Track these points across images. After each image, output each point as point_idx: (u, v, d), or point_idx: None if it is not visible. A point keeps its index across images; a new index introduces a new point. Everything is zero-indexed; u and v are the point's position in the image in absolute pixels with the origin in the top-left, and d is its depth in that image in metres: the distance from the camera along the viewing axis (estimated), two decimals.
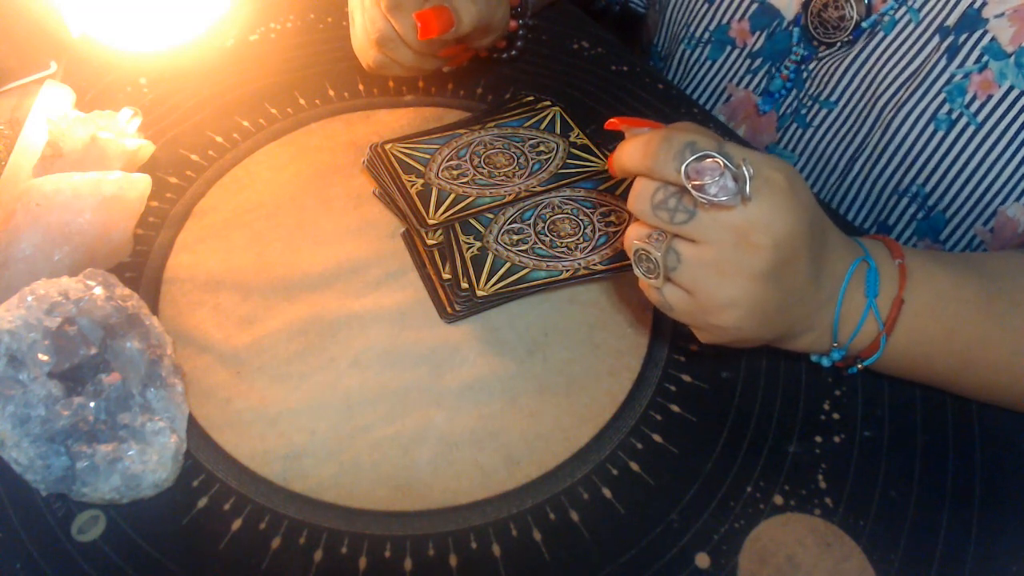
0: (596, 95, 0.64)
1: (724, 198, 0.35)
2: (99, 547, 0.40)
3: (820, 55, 0.58)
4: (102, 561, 0.39)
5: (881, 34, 0.54)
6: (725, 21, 0.62)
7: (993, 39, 0.50)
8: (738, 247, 0.36)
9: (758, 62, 0.62)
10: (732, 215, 0.36)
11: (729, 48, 0.63)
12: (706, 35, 0.64)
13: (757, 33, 0.61)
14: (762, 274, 0.37)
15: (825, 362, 0.44)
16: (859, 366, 0.43)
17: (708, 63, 0.65)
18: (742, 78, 0.64)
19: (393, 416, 0.45)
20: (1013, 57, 0.49)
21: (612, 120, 0.41)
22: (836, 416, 0.46)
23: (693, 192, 0.35)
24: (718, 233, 0.36)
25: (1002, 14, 0.50)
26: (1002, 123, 0.50)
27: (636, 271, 0.40)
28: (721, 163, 0.35)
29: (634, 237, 0.39)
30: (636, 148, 0.38)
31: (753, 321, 0.38)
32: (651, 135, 0.37)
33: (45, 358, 0.40)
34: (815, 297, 0.40)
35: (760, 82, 0.63)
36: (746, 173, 0.35)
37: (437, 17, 0.50)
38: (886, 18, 0.54)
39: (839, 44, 0.57)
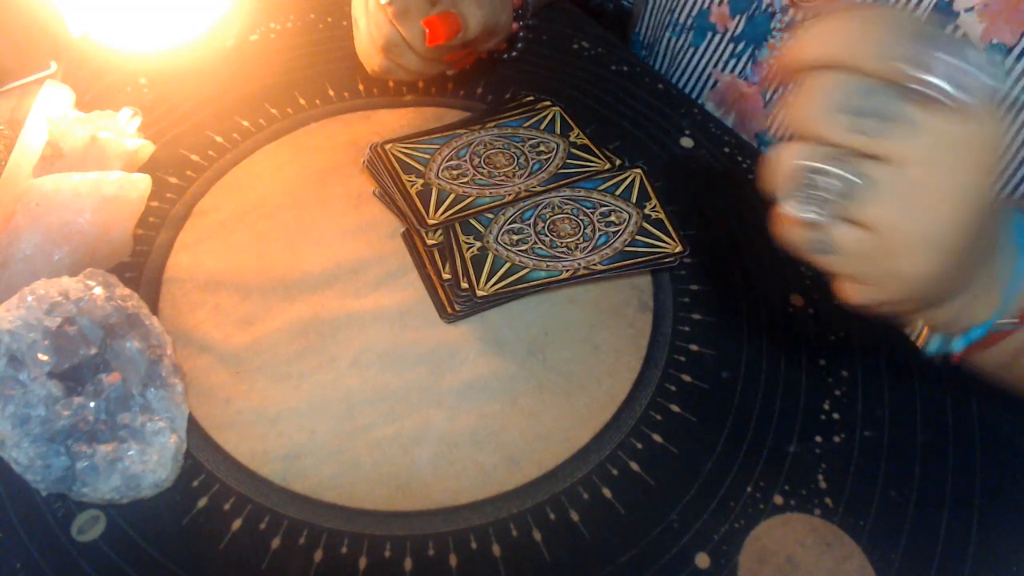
0: (596, 95, 0.64)
1: (968, 93, 0.26)
2: (99, 547, 0.40)
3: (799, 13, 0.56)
4: (102, 561, 0.39)
5: None
6: (706, 6, 0.62)
7: (964, 36, 0.49)
8: (955, 169, 0.28)
9: (741, 46, 0.62)
10: (965, 129, 0.27)
11: (711, 34, 0.63)
12: (688, 21, 0.64)
13: (737, 17, 0.61)
14: (976, 202, 0.29)
15: (958, 345, 0.37)
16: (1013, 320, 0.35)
17: (692, 49, 0.65)
18: (726, 63, 0.63)
19: (393, 416, 0.45)
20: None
21: None
22: (836, 416, 0.46)
23: (927, 80, 0.26)
24: (937, 151, 0.28)
25: (971, 8, 0.49)
26: None
27: (788, 206, 0.30)
28: (963, 53, 0.26)
29: (798, 155, 0.29)
30: (840, 26, 0.28)
31: (945, 268, 0.30)
32: (858, 11, 0.28)
33: (45, 358, 0.40)
34: (988, 249, 0.33)
35: (744, 66, 0.63)
36: (994, 67, 0.26)
37: (444, 23, 0.50)
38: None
39: None
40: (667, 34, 0.66)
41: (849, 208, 0.29)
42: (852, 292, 0.33)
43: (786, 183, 0.30)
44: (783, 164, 0.30)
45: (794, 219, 0.31)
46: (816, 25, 0.29)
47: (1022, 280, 0.34)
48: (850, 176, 0.28)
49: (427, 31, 0.50)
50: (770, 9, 0.59)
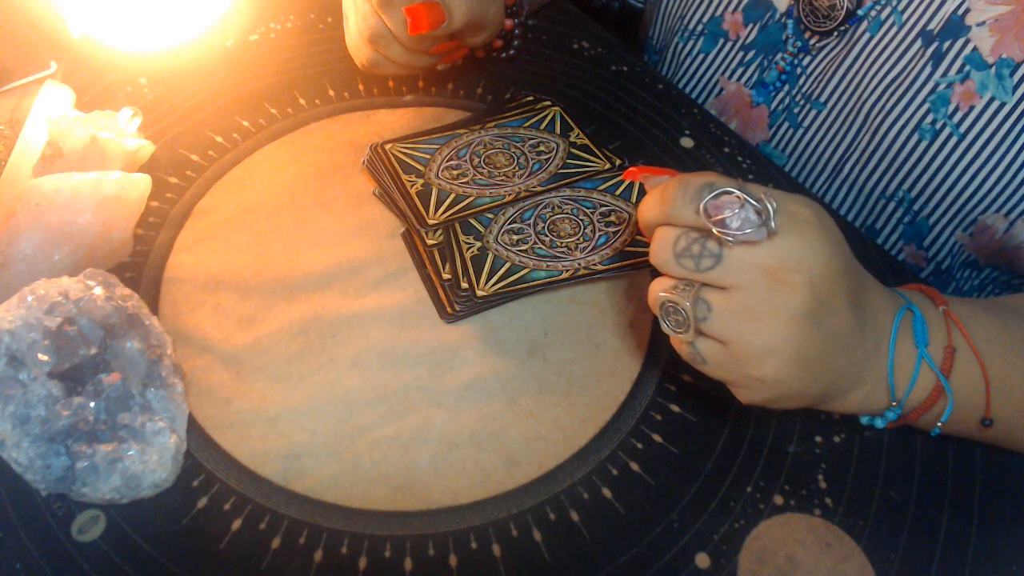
0: (596, 95, 0.64)
1: (748, 231, 0.33)
2: (99, 547, 0.40)
3: (814, 46, 0.58)
4: (102, 561, 0.39)
5: (867, 35, 0.54)
6: (719, 13, 0.62)
7: (975, 49, 0.50)
8: (771, 288, 0.34)
9: (751, 54, 0.62)
10: (761, 254, 0.33)
11: (722, 41, 0.63)
12: (699, 27, 0.64)
13: (750, 25, 0.61)
14: (800, 315, 0.34)
15: (879, 423, 0.40)
16: (940, 424, 0.40)
17: (701, 56, 0.65)
18: (734, 71, 0.63)
19: (393, 416, 0.45)
20: (994, 68, 0.49)
21: (631, 169, 0.40)
22: (836, 416, 0.46)
23: (715, 230, 0.33)
24: (748, 275, 0.34)
25: (983, 23, 0.49)
26: (984, 135, 0.50)
27: (664, 327, 0.37)
28: (741, 197, 0.33)
29: (659, 290, 0.36)
30: (654, 197, 0.36)
31: (795, 370, 0.35)
32: (667, 182, 0.36)
33: (45, 358, 0.40)
34: (860, 346, 0.37)
35: (752, 75, 0.63)
36: (769, 206, 0.33)
37: (427, 12, 0.49)
38: (872, 13, 0.54)
39: (835, 33, 0.56)
40: (675, 40, 0.66)
41: (703, 326, 0.36)
42: (737, 395, 0.38)
43: (656, 311, 0.37)
44: (651, 297, 0.37)
45: (674, 339, 0.38)
46: (644, 199, 0.37)
47: (903, 371, 0.38)
48: (689, 304, 0.35)
49: (409, 19, 0.49)
50: (783, 20, 0.59)
